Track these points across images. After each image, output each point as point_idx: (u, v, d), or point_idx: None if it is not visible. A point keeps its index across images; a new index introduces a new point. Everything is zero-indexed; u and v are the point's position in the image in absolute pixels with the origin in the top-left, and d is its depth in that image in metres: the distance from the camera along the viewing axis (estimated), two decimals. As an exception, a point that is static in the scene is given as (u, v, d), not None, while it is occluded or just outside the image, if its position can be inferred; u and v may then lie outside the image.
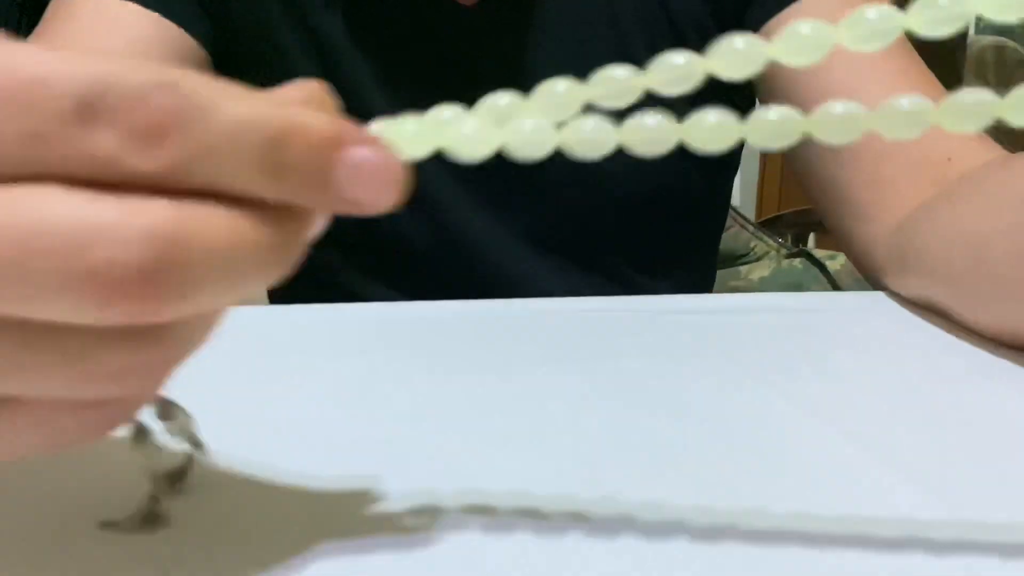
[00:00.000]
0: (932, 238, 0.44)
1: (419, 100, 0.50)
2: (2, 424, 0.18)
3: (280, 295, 0.64)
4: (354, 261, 0.63)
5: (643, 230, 0.62)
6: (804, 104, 0.54)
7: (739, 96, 0.57)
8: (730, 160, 0.68)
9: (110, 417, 0.19)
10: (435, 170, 0.55)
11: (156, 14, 0.57)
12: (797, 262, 1.00)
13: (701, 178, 0.62)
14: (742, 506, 0.24)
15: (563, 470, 0.27)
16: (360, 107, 0.55)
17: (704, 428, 0.30)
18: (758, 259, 1.14)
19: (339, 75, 0.59)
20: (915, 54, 0.54)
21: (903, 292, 0.45)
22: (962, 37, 2.22)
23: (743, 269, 1.07)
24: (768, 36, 0.56)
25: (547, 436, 0.29)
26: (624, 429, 0.30)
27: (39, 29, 0.58)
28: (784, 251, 1.08)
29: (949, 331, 0.40)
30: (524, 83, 0.57)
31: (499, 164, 0.57)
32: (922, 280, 0.43)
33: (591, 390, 0.33)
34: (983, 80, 2.29)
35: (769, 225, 1.38)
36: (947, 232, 0.42)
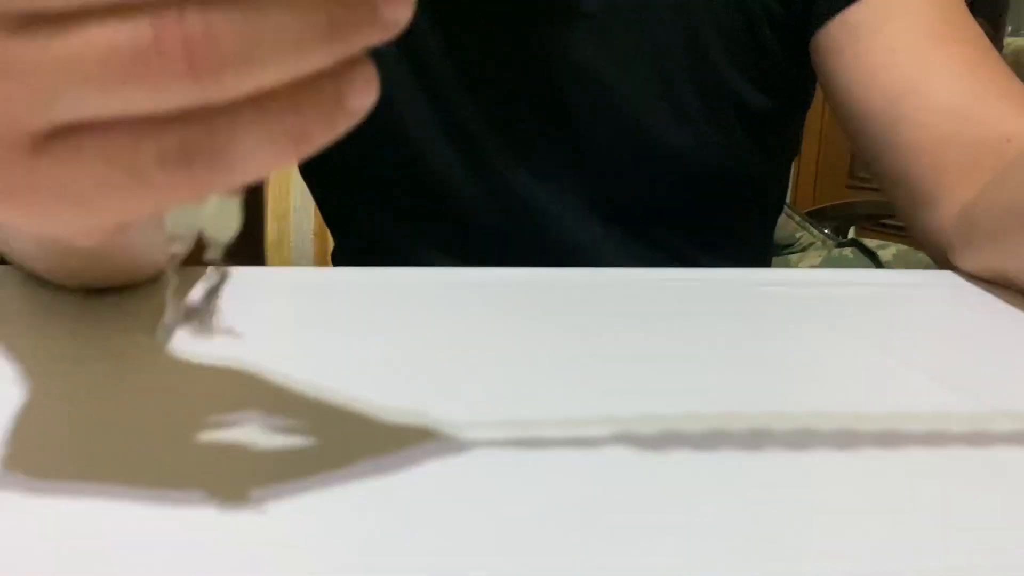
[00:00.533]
0: (990, 213, 0.49)
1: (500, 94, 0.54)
2: (68, 157, 0.19)
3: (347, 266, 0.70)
4: (421, 234, 0.66)
5: (705, 207, 0.65)
6: (863, 72, 0.60)
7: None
8: (791, 142, 0.71)
9: (188, 166, 0.19)
10: (503, 144, 0.62)
11: None
12: (848, 251, 1.06)
13: (763, 159, 0.65)
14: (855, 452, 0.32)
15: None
16: (447, 104, 0.61)
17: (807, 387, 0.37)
18: (804, 249, 1.20)
19: (428, 73, 0.64)
20: (997, 61, 0.57)
21: (970, 268, 0.51)
22: (997, 39, 2.24)
23: (792, 258, 1.13)
24: (829, 35, 0.61)
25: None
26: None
27: None
28: (832, 241, 1.13)
29: (1011, 301, 0.47)
30: (594, 84, 0.64)
31: (564, 137, 0.62)
32: (984, 253, 0.49)
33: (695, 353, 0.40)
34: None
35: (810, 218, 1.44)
36: (1004, 204, 0.48)
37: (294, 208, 1.24)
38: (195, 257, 0.24)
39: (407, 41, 0.60)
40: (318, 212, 0.88)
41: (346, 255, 0.74)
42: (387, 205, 0.67)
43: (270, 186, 1.25)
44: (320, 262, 1.20)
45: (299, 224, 1.25)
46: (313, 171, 0.71)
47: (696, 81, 0.62)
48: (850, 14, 0.59)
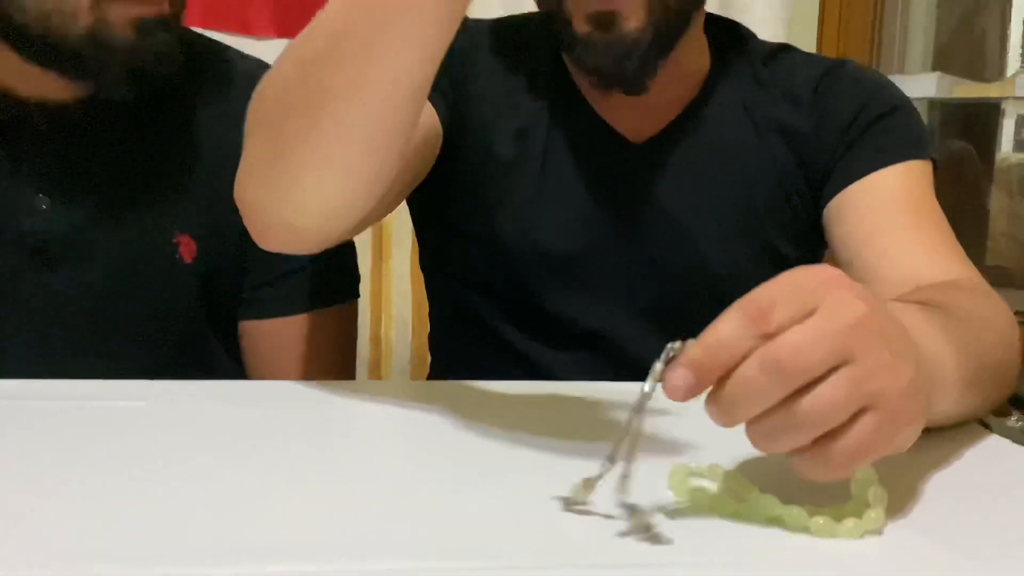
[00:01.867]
0: None
1: (584, 219, 0.71)
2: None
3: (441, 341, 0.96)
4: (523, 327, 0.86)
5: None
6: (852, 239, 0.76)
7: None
8: (813, 259, 0.90)
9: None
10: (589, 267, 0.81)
11: None
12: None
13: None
14: None
15: None
16: (529, 230, 0.78)
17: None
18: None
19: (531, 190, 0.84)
20: (947, 232, 0.78)
21: None
22: (990, 152, 2.35)
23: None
24: (839, 208, 0.76)
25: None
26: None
27: None
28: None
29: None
30: (667, 214, 0.81)
31: (639, 262, 0.74)
32: None
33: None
34: (1007, 194, 2.42)
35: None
36: None
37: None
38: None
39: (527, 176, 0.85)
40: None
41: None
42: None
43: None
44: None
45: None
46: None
47: (747, 234, 0.85)
48: (846, 194, 0.81)
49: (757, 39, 0.92)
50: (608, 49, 0.76)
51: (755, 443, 0.39)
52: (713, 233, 0.84)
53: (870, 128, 0.83)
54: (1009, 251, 2.27)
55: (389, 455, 0.54)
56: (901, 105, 0.86)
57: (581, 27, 0.76)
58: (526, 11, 0.89)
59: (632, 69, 0.77)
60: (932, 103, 2.09)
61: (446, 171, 0.82)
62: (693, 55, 0.86)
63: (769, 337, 0.38)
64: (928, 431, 0.44)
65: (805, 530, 0.41)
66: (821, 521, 0.41)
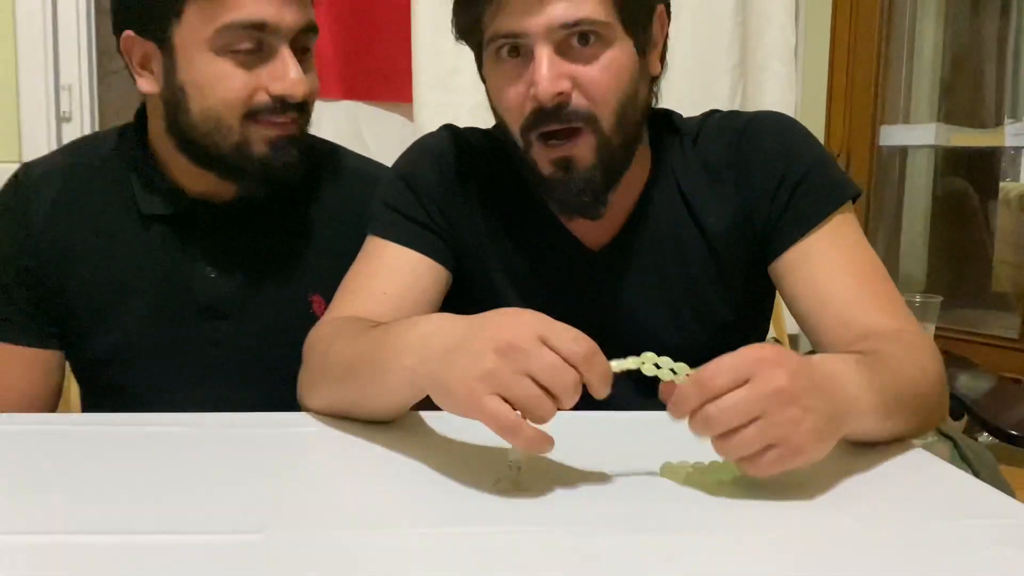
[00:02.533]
0: None
1: (556, 315, 0.83)
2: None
3: None
4: None
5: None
6: (801, 300, 0.98)
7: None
8: (758, 333, 1.08)
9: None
10: None
11: (427, 257, 1.00)
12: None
13: (736, 345, 0.81)
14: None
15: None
16: None
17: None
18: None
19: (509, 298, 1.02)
20: (882, 280, 0.95)
21: None
22: (992, 186, 2.52)
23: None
24: (784, 268, 0.96)
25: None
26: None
27: (356, 268, 1.00)
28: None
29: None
30: (626, 310, 1.05)
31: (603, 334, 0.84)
32: None
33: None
34: (1015, 219, 2.59)
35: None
36: None
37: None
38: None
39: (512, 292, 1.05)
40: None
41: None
42: None
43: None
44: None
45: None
46: None
47: (693, 313, 1.01)
48: (790, 254, 0.95)
49: (686, 122, 1.04)
50: (567, 187, 0.93)
51: (717, 451, 0.67)
52: (666, 318, 1.01)
53: (793, 195, 0.95)
54: (1011, 278, 2.44)
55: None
56: (815, 162, 0.98)
57: (545, 169, 0.93)
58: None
59: (588, 201, 0.94)
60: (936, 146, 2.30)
61: (455, 287, 1.04)
62: (637, 166, 0.99)
63: (712, 399, 0.65)
64: (862, 444, 0.75)
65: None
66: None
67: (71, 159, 1.10)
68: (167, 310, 1.05)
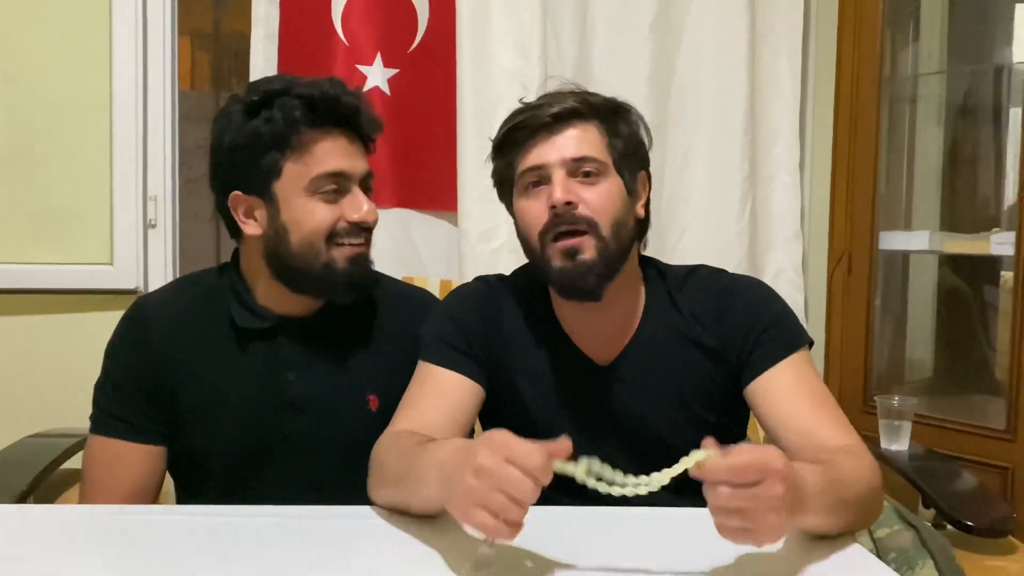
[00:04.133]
0: None
1: (567, 428, 1.15)
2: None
3: None
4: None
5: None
6: (769, 418, 1.27)
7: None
8: (738, 433, 1.32)
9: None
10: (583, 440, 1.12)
11: (467, 378, 1.25)
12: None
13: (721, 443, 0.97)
14: None
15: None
16: (545, 431, 1.21)
17: None
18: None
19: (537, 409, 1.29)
20: (833, 406, 1.19)
21: None
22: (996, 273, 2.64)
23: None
24: (756, 392, 1.22)
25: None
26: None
27: (412, 389, 1.26)
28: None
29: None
30: (628, 414, 1.36)
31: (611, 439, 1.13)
32: None
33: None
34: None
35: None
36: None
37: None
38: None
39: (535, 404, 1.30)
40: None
41: None
42: None
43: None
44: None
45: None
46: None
47: (684, 417, 1.26)
48: (759, 381, 1.21)
49: (672, 269, 1.32)
50: (574, 272, 1.19)
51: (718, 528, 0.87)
52: (663, 422, 1.26)
53: (761, 337, 1.22)
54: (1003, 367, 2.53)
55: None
56: (778, 315, 1.25)
57: (557, 261, 1.19)
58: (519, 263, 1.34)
59: (590, 283, 1.19)
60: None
61: (492, 400, 1.29)
62: (634, 299, 1.28)
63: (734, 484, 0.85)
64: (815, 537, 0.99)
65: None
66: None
67: (179, 292, 1.39)
68: (257, 407, 1.31)
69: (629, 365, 1.27)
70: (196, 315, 1.34)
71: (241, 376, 1.31)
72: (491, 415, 1.31)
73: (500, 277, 1.38)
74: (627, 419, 1.27)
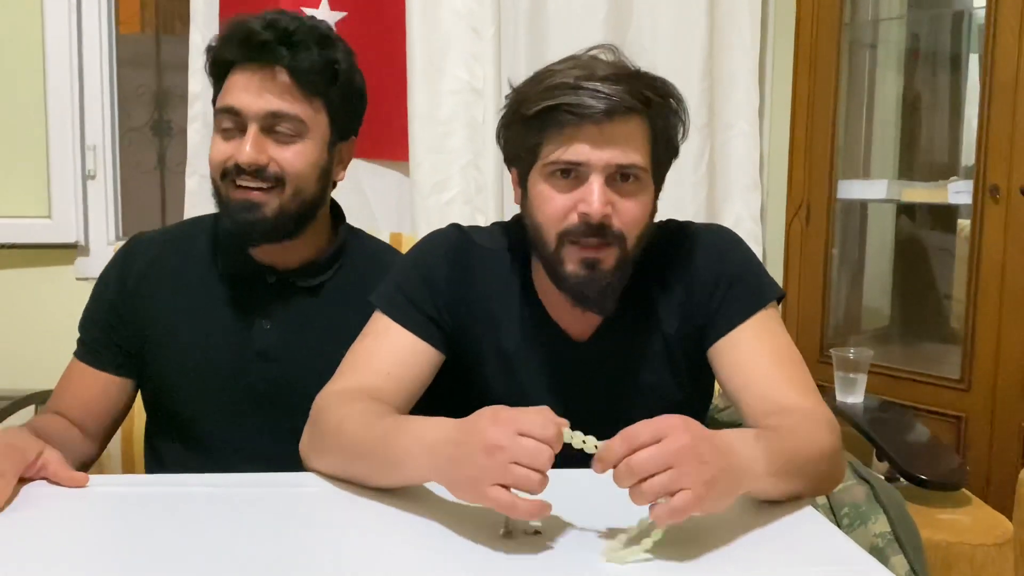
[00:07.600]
0: None
1: (546, 391, 1.11)
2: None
3: None
4: None
5: None
6: (730, 380, 1.22)
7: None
8: (702, 409, 1.30)
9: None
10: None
11: (430, 346, 1.19)
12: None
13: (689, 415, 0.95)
14: None
15: None
16: (512, 392, 1.19)
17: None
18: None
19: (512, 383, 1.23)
20: (794, 364, 1.14)
21: None
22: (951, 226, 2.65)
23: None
24: (716, 355, 1.21)
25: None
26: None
27: (364, 342, 1.19)
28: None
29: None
30: (601, 390, 1.31)
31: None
32: None
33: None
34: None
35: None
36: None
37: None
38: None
39: (506, 374, 1.24)
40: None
41: None
42: None
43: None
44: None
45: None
46: None
47: (652, 391, 1.23)
48: (721, 344, 1.16)
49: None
50: (590, 283, 1.11)
51: (632, 499, 0.84)
52: (633, 396, 1.22)
53: (728, 293, 1.17)
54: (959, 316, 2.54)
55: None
56: (744, 267, 1.19)
57: (571, 267, 1.11)
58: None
59: (607, 297, 1.13)
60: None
61: (449, 369, 1.21)
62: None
63: (634, 451, 0.83)
64: (762, 502, 0.96)
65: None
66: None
67: (174, 232, 1.39)
68: (226, 352, 1.29)
69: (606, 343, 1.22)
70: (181, 255, 1.33)
71: (215, 320, 1.30)
72: (447, 386, 1.24)
73: (476, 231, 1.28)
74: (599, 396, 1.22)
